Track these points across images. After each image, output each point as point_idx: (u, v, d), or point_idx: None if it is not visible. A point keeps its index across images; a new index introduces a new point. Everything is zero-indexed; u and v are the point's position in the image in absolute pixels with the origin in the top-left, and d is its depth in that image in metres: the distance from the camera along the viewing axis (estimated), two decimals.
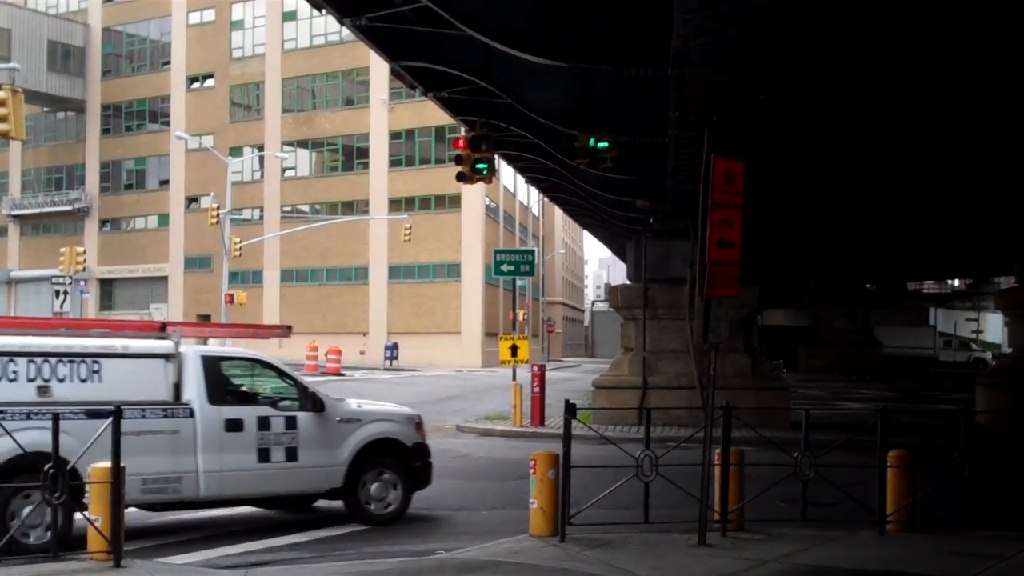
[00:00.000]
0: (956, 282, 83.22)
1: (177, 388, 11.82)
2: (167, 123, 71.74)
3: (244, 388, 12.95)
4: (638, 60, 14.40)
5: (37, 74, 70.51)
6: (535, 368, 26.43)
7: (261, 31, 69.40)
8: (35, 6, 76.71)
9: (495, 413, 28.50)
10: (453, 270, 63.04)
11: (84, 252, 39.05)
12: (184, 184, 71.37)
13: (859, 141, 17.43)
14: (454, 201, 62.14)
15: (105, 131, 76.34)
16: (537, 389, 25.78)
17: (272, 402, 12.59)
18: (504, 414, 27.27)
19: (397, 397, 35.41)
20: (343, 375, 46.55)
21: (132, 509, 11.16)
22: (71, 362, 11.17)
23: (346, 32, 21.27)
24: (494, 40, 15.10)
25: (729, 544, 10.83)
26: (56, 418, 9.07)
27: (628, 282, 31.77)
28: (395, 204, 63.67)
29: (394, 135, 64.83)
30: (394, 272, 64.32)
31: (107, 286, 75.96)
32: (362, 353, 61.60)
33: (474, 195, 60.03)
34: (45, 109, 77.49)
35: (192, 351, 12.19)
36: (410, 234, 52.22)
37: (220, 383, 12.27)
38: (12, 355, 10.90)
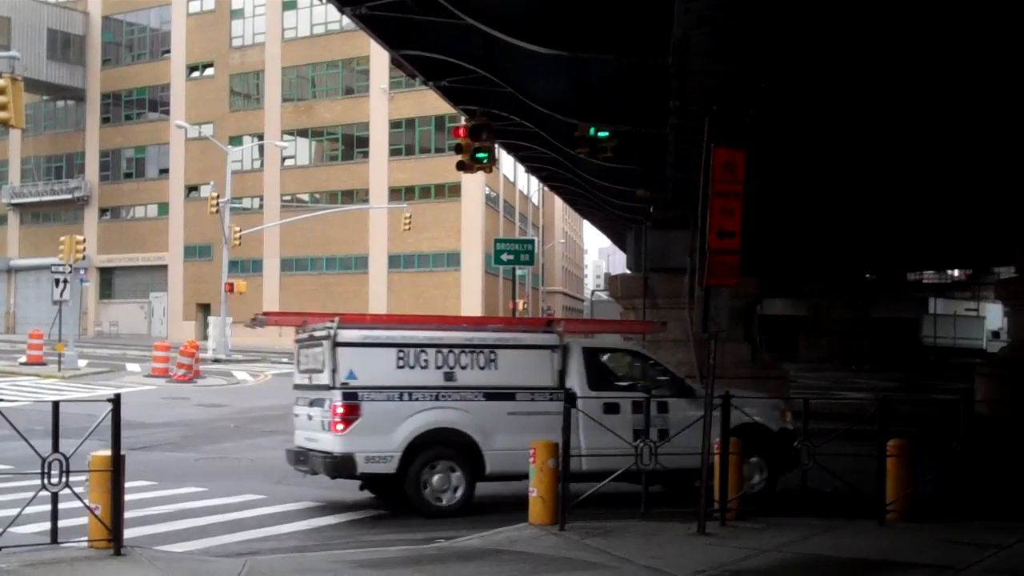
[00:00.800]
0: (956, 272, 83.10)
1: (561, 375, 13.23)
2: (167, 112, 71.56)
3: (620, 376, 14.23)
4: (639, 49, 14.39)
5: (37, 62, 70.30)
6: None
7: (261, 20, 69.19)
8: None
9: None
10: (453, 259, 62.98)
11: (84, 241, 38.93)
12: (184, 173, 71.24)
13: (860, 130, 17.41)
14: (454, 190, 62.05)
15: (105, 120, 76.18)
16: None
17: (645, 388, 13.65)
18: None
19: None
20: None
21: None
22: (471, 352, 12.87)
23: (346, 21, 21.24)
24: (494, 29, 15.08)
25: (728, 533, 10.86)
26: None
27: (628, 271, 31.81)
28: (395, 193, 63.55)
29: (394, 124, 64.69)
30: (394, 261, 64.26)
31: (107, 275, 75.91)
32: None
33: (474, 184, 59.92)
34: (45, 97, 77.30)
35: (575, 343, 13.54)
36: (410, 223, 52.17)
37: (599, 371, 13.64)
38: (424, 346, 12.71)
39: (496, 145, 24.41)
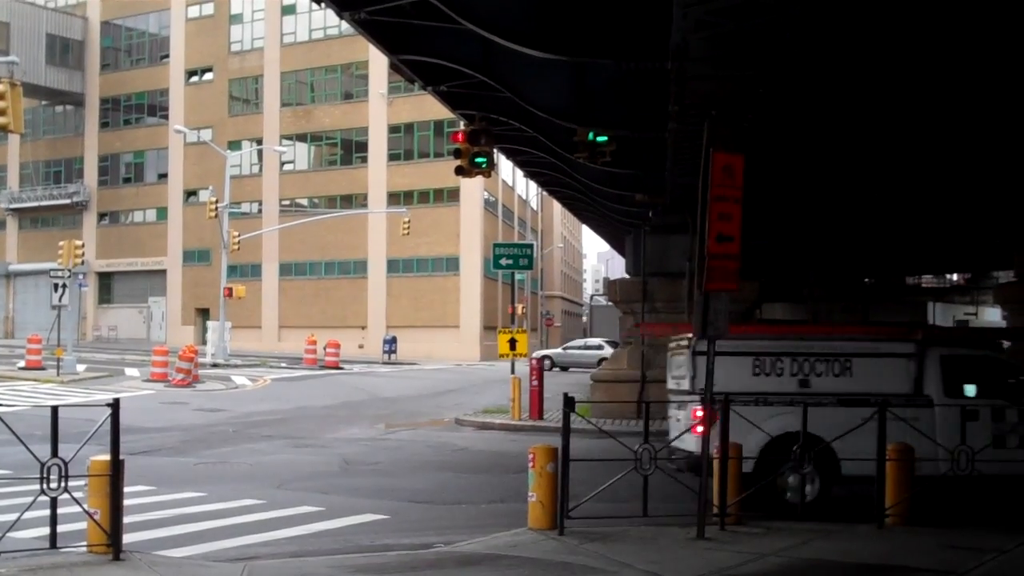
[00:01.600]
0: (955, 276, 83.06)
1: (918, 382, 13.53)
2: (166, 117, 71.60)
3: (980, 383, 13.95)
4: (638, 54, 14.40)
5: (36, 67, 70.35)
6: (533, 362, 26.45)
7: (260, 25, 69.26)
8: (34, 0, 76.59)
9: (494, 407, 28.54)
10: (452, 264, 63.01)
11: (83, 245, 38.86)
12: (183, 178, 71.29)
13: (858, 135, 17.42)
14: (453, 195, 62.10)
15: (104, 124, 76.23)
16: (536, 383, 25.81)
17: (1008, 395, 13.58)
18: (503, 408, 27.30)
19: (396, 390, 35.47)
20: (342, 368, 46.56)
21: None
22: (826, 360, 13.46)
23: (345, 26, 21.26)
24: (493, 34, 15.09)
25: (728, 538, 10.85)
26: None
27: (627, 276, 31.78)
28: (394, 198, 63.61)
29: (393, 129, 64.74)
30: (393, 266, 64.29)
31: (106, 279, 75.90)
32: (361, 347, 61.61)
33: (473, 189, 60.00)
34: (44, 102, 77.34)
35: (934, 350, 13.72)
36: (408, 228, 52.18)
37: (957, 378, 13.63)
38: (779, 355, 13.48)
39: (495, 150, 24.41)
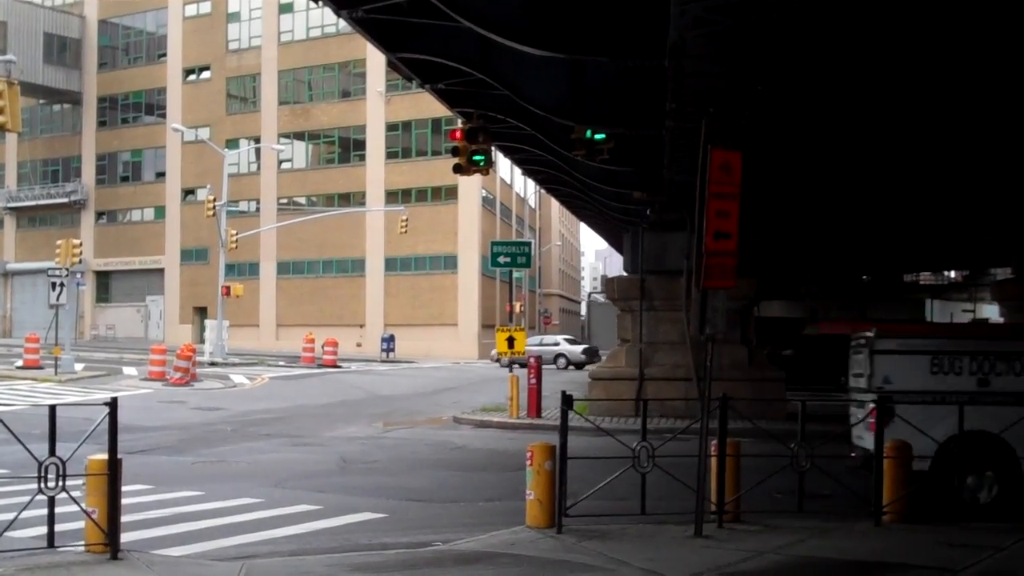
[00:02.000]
0: (952, 274, 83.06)
1: None
2: (163, 115, 71.56)
3: None
4: (635, 51, 14.39)
5: (33, 66, 70.32)
6: (531, 360, 26.45)
7: (257, 23, 69.21)
8: None
9: (492, 405, 28.53)
10: (450, 262, 63.00)
11: (80, 244, 38.78)
12: (180, 176, 71.27)
13: (856, 132, 17.41)
14: (451, 193, 62.10)
15: (101, 123, 76.18)
16: (534, 381, 25.81)
17: None
18: (501, 406, 27.30)
19: (394, 389, 35.47)
20: (340, 367, 46.55)
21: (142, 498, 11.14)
22: (1008, 360, 13.37)
23: (343, 24, 21.22)
24: (491, 31, 15.08)
25: (726, 535, 10.86)
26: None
27: (625, 274, 31.79)
28: (392, 196, 63.58)
29: (391, 127, 64.72)
30: (391, 264, 64.27)
31: (103, 278, 75.88)
32: (359, 345, 61.60)
33: (471, 187, 59.98)
34: (41, 101, 77.29)
35: None
36: (406, 226, 52.18)
37: None
38: (958, 354, 13.40)
39: (493, 148, 24.41)
